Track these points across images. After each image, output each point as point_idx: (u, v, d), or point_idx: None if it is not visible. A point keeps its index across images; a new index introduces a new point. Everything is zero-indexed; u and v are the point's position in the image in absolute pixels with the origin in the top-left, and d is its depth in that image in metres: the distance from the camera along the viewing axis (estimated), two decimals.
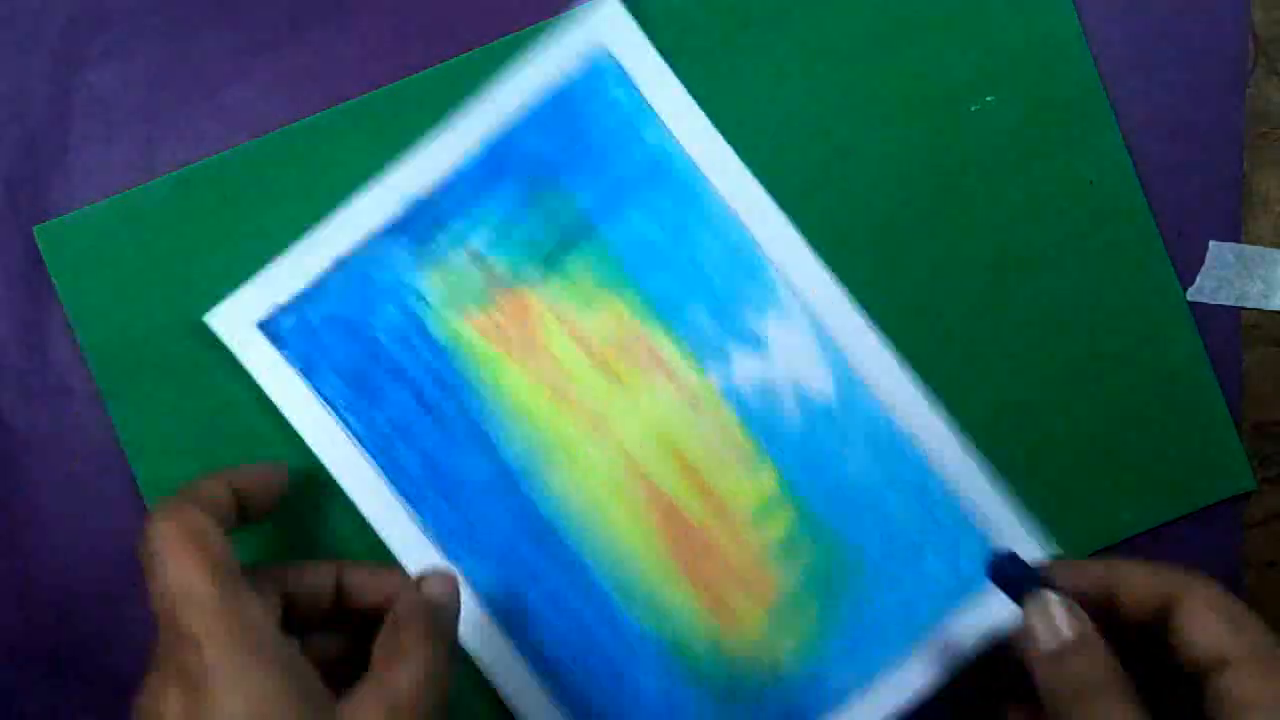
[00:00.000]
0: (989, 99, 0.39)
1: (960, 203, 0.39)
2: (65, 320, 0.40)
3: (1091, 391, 0.39)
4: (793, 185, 0.39)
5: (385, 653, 0.32)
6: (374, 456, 0.39)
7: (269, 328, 0.39)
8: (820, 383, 0.39)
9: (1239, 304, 0.40)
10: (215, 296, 0.39)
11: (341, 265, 0.39)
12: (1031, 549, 0.38)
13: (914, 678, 0.38)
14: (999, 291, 0.39)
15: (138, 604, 0.40)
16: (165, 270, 0.39)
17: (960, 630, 0.38)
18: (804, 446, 0.39)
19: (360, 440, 0.39)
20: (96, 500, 0.40)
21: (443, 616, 0.34)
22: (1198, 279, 0.40)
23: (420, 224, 0.39)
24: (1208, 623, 0.31)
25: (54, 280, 0.39)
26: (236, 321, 0.39)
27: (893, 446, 0.39)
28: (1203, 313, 0.40)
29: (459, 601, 0.35)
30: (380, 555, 0.39)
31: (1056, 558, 0.37)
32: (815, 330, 0.39)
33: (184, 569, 0.30)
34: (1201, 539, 0.40)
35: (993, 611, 0.38)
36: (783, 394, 0.39)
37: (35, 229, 0.39)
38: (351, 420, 0.39)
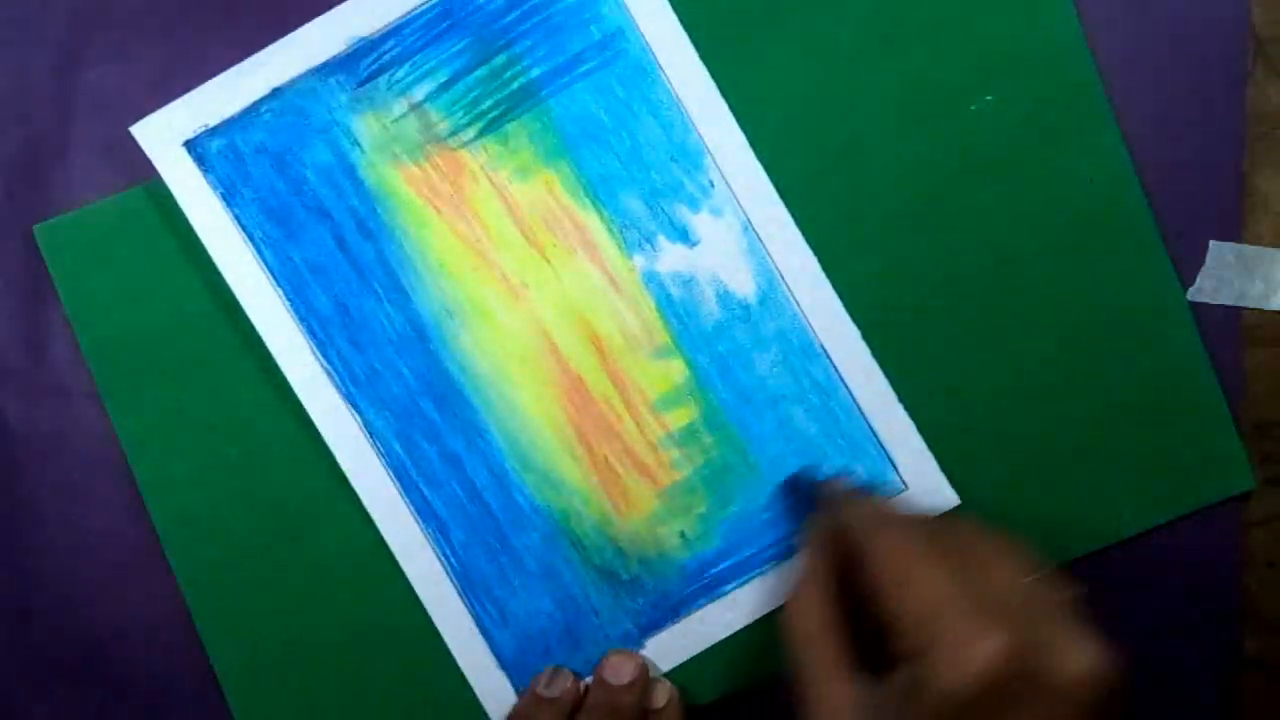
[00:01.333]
0: (989, 99, 0.39)
1: (960, 202, 0.39)
2: (65, 320, 0.40)
3: (1092, 391, 0.39)
4: (793, 183, 0.39)
5: None
6: (285, 292, 0.39)
7: (195, 148, 0.39)
8: (743, 282, 0.39)
9: (1239, 304, 0.40)
10: (215, 297, 0.39)
11: (276, 95, 0.39)
12: (928, 465, 0.39)
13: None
14: (999, 291, 0.39)
15: (137, 604, 0.40)
16: (165, 270, 0.39)
17: None
18: (717, 342, 0.39)
19: (273, 275, 0.39)
20: (96, 500, 0.40)
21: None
22: (1198, 279, 0.40)
23: (363, 65, 0.39)
24: (878, 587, 0.31)
25: (54, 280, 0.39)
26: (163, 137, 0.39)
27: (805, 354, 0.39)
28: (1203, 313, 0.40)
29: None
30: (281, 390, 0.39)
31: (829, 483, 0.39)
32: (746, 231, 0.39)
33: None
34: (1201, 539, 0.40)
35: None
36: (704, 288, 0.39)
37: (35, 229, 0.39)
38: (267, 254, 0.39)
